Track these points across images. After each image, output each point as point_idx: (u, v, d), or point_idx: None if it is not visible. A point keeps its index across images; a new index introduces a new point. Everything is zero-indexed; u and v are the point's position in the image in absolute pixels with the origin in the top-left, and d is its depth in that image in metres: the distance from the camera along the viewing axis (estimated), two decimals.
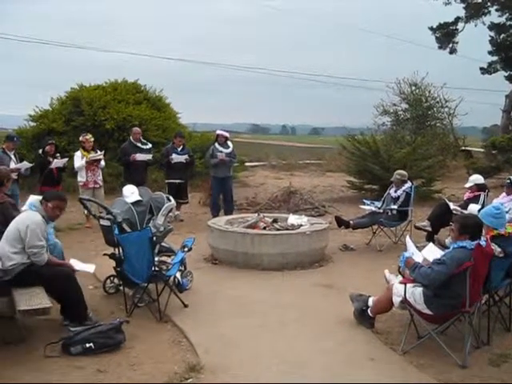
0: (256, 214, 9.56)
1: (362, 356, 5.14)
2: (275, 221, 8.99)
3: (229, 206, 12.22)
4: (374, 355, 5.13)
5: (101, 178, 11.36)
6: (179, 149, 12.05)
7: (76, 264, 6.10)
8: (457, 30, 31.13)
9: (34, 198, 6.08)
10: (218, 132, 12.33)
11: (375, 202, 10.18)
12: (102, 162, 11.40)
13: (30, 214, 5.76)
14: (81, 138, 11.49)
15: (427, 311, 5.15)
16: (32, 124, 18.16)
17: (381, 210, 9.70)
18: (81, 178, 11.18)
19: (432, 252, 5.54)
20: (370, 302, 5.76)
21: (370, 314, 5.74)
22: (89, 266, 6.24)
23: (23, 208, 6.45)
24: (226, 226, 8.60)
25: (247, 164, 22.61)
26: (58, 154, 11.26)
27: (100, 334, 5.22)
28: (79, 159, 11.13)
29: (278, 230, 8.57)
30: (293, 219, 9.00)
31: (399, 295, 5.30)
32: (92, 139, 11.40)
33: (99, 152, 11.37)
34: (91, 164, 11.07)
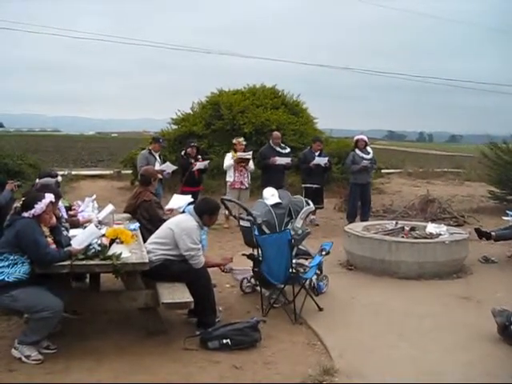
0: (394, 222, 9.43)
1: (503, 372, 4.93)
2: (413, 229, 8.82)
3: (366, 212, 12.15)
4: None
5: (247, 180, 11.60)
6: (317, 154, 12.10)
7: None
8: None
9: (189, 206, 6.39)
10: (358, 137, 12.26)
11: None
12: (252, 166, 11.65)
13: (186, 218, 6.01)
14: (234, 141, 11.89)
15: None
16: (174, 127, 18.91)
17: None
18: (229, 177, 11.56)
19: None
20: None
21: None
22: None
23: (180, 210, 6.80)
24: (363, 232, 8.54)
25: (383, 171, 22.31)
26: (200, 156, 11.65)
27: (237, 331, 5.36)
28: (229, 159, 11.53)
29: (416, 238, 8.41)
30: (431, 228, 8.76)
31: None
32: (244, 143, 11.78)
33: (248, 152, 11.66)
34: (239, 165, 11.38)
